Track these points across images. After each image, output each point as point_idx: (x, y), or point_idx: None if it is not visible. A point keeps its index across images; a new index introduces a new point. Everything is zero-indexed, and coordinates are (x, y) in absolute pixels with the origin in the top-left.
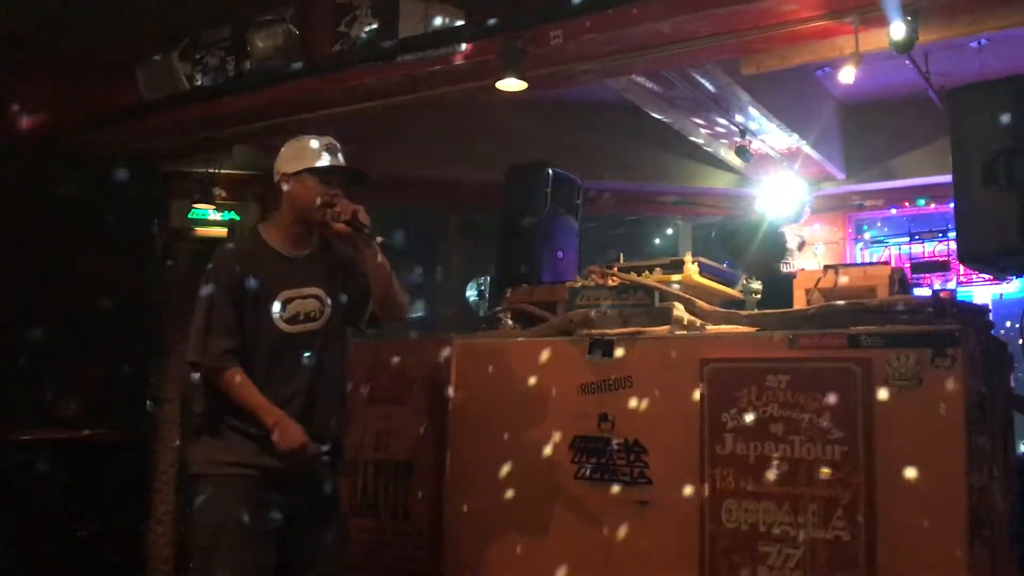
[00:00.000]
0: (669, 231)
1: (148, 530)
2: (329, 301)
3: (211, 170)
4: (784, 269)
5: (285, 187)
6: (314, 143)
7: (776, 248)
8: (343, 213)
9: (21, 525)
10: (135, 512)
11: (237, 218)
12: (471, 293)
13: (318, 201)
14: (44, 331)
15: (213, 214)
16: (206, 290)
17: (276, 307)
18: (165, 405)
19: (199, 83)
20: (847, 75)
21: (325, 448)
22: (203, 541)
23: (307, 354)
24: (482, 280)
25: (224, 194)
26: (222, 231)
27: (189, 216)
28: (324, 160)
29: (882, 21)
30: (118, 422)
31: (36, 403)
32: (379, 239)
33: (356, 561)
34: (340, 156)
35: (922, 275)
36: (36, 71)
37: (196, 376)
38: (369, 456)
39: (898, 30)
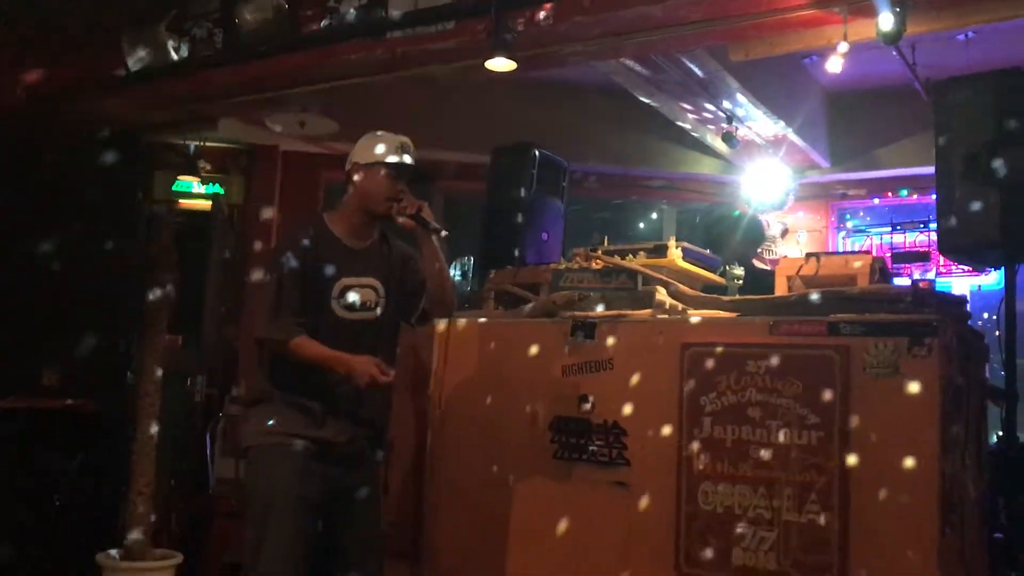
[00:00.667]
0: (654, 216)
1: (127, 502)
2: (384, 293)
3: (196, 142)
4: (765, 256)
5: (356, 177)
6: (390, 139)
7: (754, 236)
8: (409, 208)
9: None
10: (113, 484)
11: (221, 191)
12: (455, 272)
13: (385, 195)
14: (27, 301)
15: (197, 187)
16: (273, 270)
17: (335, 293)
18: (145, 378)
19: (186, 55)
20: (834, 64)
21: (360, 433)
22: (255, 511)
23: (360, 343)
24: (465, 260)
25: (209, 167)
26: (206, 204)
27: (173, 188)
28: (396, 157)
29: (871, 11)
30: (100, 394)
31: (18, 372)
32: (444, 233)
33: None
34: (410, 156)
35: (902, 265)
36: (20, 39)
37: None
38: None
39: (886, 21)
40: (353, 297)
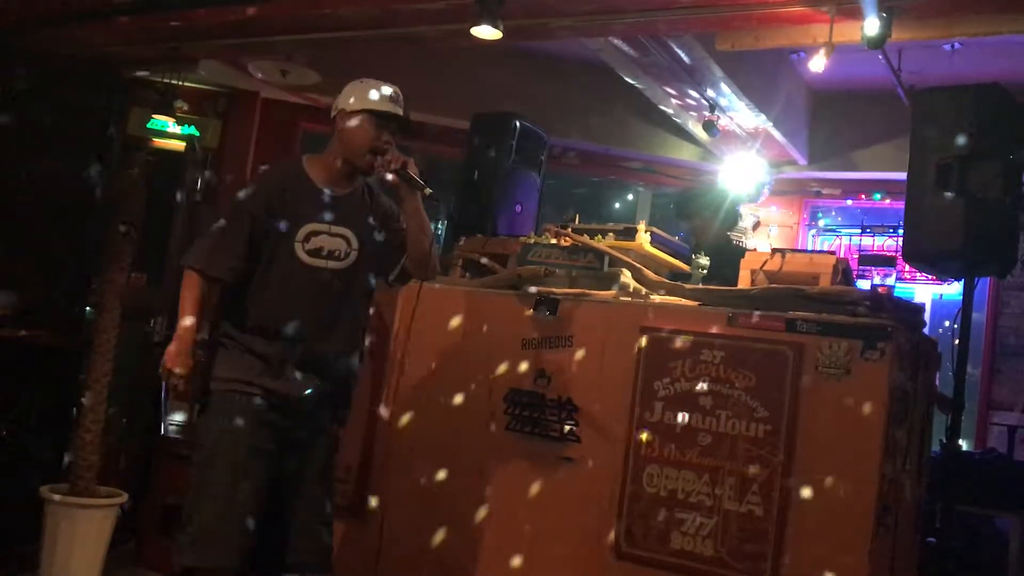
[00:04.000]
0: (630, 197)
1: (75, 436)
2: (357, 245)
3: (174, 81)
4: (736, 243)
5: (340, 123)
6: (380, 88)
7: (730, 216)
8: (394, 162)
9: None
10: (63, 418)
11: (196, 133)
12: None
13: (369, 145)
14: None
15: (173, 127)
16: (232, 203)
17: (300, 236)
18: (104, 315)
19: None
20: (817, 63)
21: (318, 386)
22: (200, 455)
23: (327, 293)
24: (441, 224)
25: (186, 107)
26: (180, 144)
27: (148, 126)
28: (384, 106)
29: (858, 14)
30: (57, 327)
31: None
32: (429, 191)
33: None
34: (399, 107)
35: (868, 268)
36: None
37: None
38: None
39: (872, 26)
40: (320, 243)
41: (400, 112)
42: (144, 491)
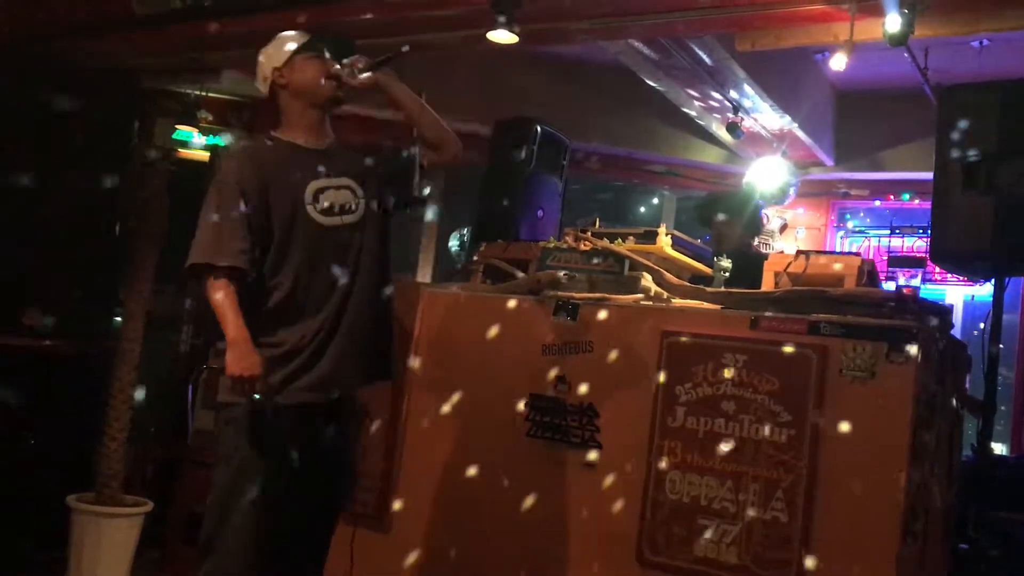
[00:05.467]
0: (655, 200)
1: (101, 445)
2: (363, 193)
3: (197, 92)
4: (761, 248)
5: (283, 81)
6: (290, 33)
7: (752, 223)
8: (356, 65)
9: None
10: (90, 427)
11: (221, 143)
12: (453, 243)
13: (323, 77)
14: (13, 240)
15: (197, 137)
16: (213, 190)
17: (308, 198)
18: (129, 324)
19: (191, 2)
20: (838, 62)
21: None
22: (225, 475)
23: (348, 252)
24: (464, 231)
25: (210, 117)
26: (204, 155)
27: (173, 137)
28: (306, 38)
29: (879, 11)
30: (83, 337)
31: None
32: (405, 48)
33: None
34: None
35: (898, 269)
36: None
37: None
38: None
39: (893, 22)
40: (330, 199)
41: (318, 34)
42: (170, 499)
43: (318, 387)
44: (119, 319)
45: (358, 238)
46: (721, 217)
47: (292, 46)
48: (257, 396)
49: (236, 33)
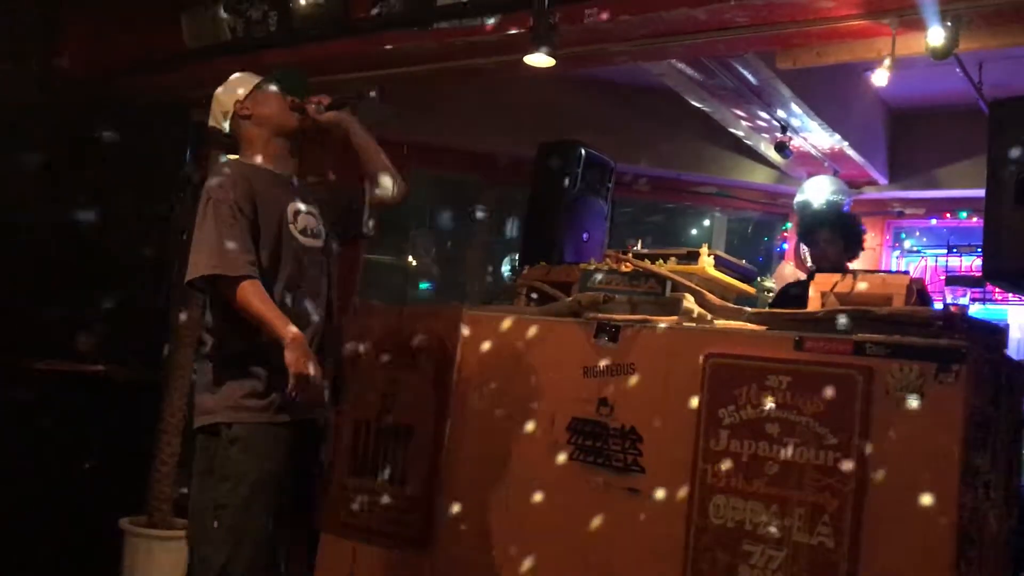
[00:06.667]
0: (706, 222)
1: (153, 469)
2: (321, 219)
3: None
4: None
5: (247, 112)
6: (244, 73)
7: (853, 242)
8: (322, 101)
9: (28, 451)
10: (142, 451)
11: None
12: (506, 268)
13: (288, 106)
14: (68, 267)
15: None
16: (211, 204)
17: (290, 217)
18: (180, 351)
19: (241, 35)
20: (880, 78)
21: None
22: (233, 497)
23: (321, 273)
24: (517, 256)
25: None
26: None
27: None
28: (263, 75)
29: (921, 25)
30: (136, 362)
31: (55, 337)
32: (373, 94)
33: (350, 521)
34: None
35: (956, 289)
36: (81, 12)
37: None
38: (372, 418)
39: (936, 36)
40: (304, 222)
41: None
42: None
43: (310, 405)
44: (168, 346)
45: (324, 261)
46: (824, 236)
47: (253, 80)
48: (316, 389)
49: (284, 64)
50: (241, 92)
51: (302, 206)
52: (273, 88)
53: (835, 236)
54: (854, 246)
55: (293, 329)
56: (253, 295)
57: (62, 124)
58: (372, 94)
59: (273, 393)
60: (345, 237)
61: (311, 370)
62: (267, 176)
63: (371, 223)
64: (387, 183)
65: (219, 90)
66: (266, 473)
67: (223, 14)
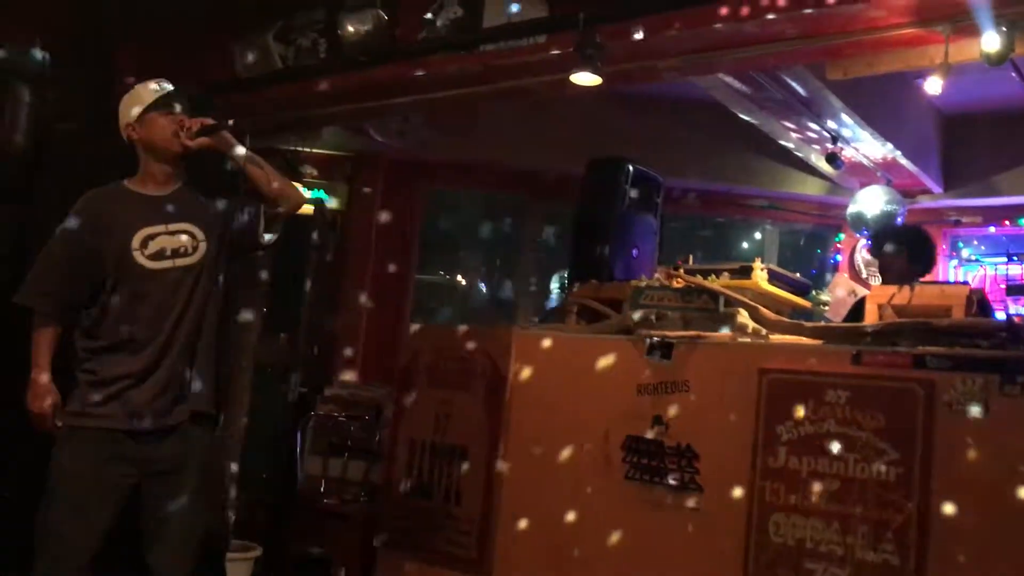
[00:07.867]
0: (757, 235)
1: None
2: (204, 236)
3: (299, 148)
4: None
5: (135, 136)
6: (147, 85)
7: (922, 257)
8: (192, 126)
9: None
10: None
11: (326, 197)
12: (555, 285)
13: (169, 130)
14: None
15: (303, 192)
16: (55, 234)
17: (136, 244)
18: (238, 373)
19: (291, 63)
20: (933, 86)
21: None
22: (46, 499)
23: (178, 292)
24: (565, 273)
25: (315, 172)
26: (308, 209)
27: None
28: (158, 94)
29: (975, 31)
30: None
31: None
32: (230, 122)
33: (406, 541)
34: (170, 85)
35: (1017, 298)
36: (134, 42)
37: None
38: (427, 438)
39: (991, 41)
40: (162, 245)
41: (171, 87)
42: (279, 544)
43: (129, 416)
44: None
45: (192, 276)
46: (889, 248)
47: (146, 101)
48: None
49: (333, 90)
50: (134, 113)
51: (168, 227)
52: (163, 111)
53: (900, 249)
54: (924, 260)
55: (35, 372)
56: (34, 327)
57: (113, 156)
58: (230, 123)
59: (80, 401)
60: (243, 250)
61: (34, 410)
62: (132, 201)
63: (267, 236)
64: (276, 196)
65: (122, 102)
66: (64, 474)
67: (273, 43)
